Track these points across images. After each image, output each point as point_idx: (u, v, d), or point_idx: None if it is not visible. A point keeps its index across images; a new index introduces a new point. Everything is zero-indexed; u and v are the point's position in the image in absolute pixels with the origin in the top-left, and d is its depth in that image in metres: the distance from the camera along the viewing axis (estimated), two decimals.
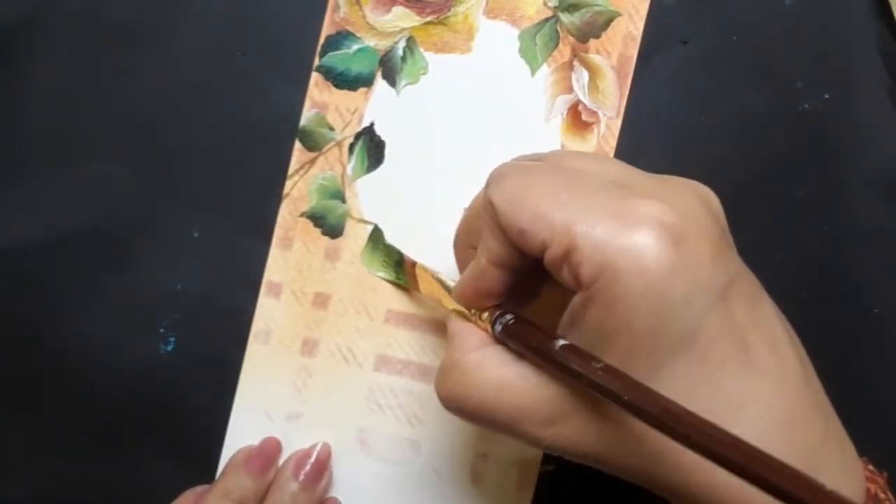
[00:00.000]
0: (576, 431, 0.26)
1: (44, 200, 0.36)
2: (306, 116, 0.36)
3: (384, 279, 0.36)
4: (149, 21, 0.36)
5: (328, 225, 0.36)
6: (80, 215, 0.36)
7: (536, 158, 0.30)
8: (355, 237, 0.36)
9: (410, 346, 0.36)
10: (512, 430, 0.27)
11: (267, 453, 0.35)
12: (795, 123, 0.36)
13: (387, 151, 0.36)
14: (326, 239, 0.36)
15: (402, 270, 0.36)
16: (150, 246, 0.36)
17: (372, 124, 0.36)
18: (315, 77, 0.36)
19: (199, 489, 0.35)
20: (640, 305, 0.24)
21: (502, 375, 0.27)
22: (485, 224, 0.28)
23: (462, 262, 0.31)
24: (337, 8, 0.36)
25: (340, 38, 0.36)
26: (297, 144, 0.36)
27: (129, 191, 0.36)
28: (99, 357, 0.36)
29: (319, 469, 0.35)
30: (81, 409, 0.36)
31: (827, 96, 0.36)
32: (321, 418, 0.36)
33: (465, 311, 0.30)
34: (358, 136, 0.36)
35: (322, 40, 0.36)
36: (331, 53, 0.36)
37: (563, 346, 0.25)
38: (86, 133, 0.36)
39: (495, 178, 0.28)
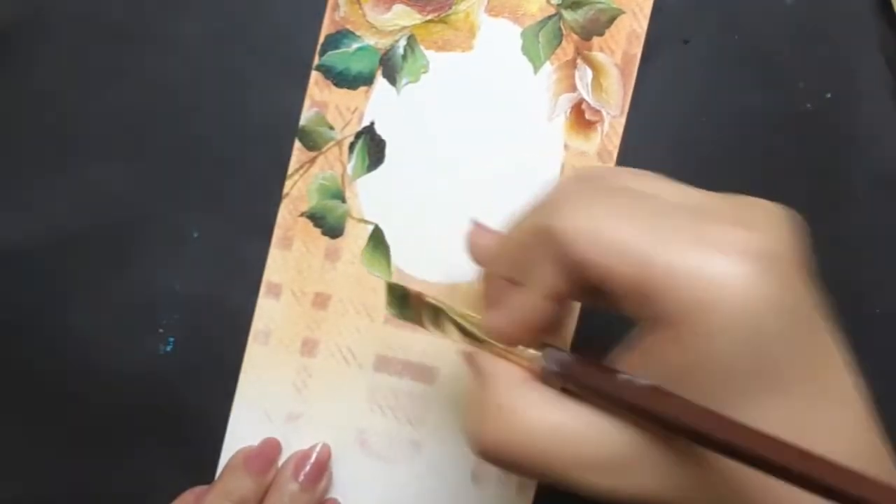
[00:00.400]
0: (645, 479, 0.24)
1: (44, 200, 0.36)
2: (306, 116, 0.36)
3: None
4: (149, 21, 0.36)
5: (328, 225, 0.36)
6: (80, 215, 0.36)
7: (588, 178, 0.27)
8: (355, 237, 0.36)
9: (411, 347, 0.36)
10: (566, 479, 0.24)
11: (266, 454, 0.35)
12: (798, 123, 0.36)
13: (387, 151, 0.36)
14: (326, 239, 0.36)
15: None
16: (150, 246, 0.36)
17: (372, 123, 0.36)
18: (315, 76, 0.36)
19: (199, 489, 0.35)
20: (733, 340, 0.22)
21: (558, 419, 0.24)
22: (543, 256, 0.25)
23: (493, 295, 0.28)
24: (336, 7, 0.36)
25: (340, 37, 0.36)
26: (297, 144, 0.36)
27: (129, 191, 0.36)
28: (99, 357, 0.36)
29: (319, 470, 0.35)
30: (81, 408, 0.36)
31: (829, 96, 0.36)
32: (321, 419, 0.36)
33: (499, 347, 0.27)
34: (358, 136, 0.36)
35: (322, 39, 0.36)
36: (330, 52, 0.36)
37: (645, 386, 0.23)
38: (86, 133, 0.36)
39: (554, 205, 0.25)
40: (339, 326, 0.36)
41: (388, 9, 0.36)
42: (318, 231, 0.36)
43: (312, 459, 0.35)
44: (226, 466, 0.35)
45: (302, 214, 0.36)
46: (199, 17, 0.36)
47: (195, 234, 0.36)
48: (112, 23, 0.36)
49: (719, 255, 0.22)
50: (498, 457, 0.25)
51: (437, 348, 0.36)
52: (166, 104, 0.36)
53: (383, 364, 0.36)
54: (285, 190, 0.36)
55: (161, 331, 0.36)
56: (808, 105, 0.36)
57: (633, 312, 0.24)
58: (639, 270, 0.23)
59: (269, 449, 0.36)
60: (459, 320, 0.29)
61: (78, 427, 0.36)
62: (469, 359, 0.28)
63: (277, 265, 0.36)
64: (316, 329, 0.36)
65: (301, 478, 0.35)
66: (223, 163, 0.36)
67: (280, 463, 0.36)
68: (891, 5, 0.35)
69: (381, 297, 0.36)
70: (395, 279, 0.36)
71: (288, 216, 0.36)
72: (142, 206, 0.36)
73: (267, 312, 0.36)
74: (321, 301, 0.36)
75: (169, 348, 0.36)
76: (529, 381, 0.26)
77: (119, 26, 0.36)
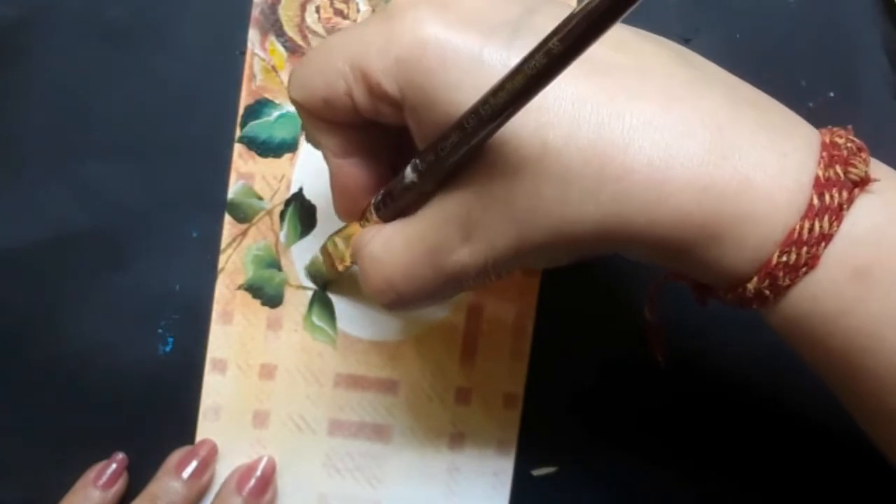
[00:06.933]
0: (492, 223, 0.24)
1: (43, 200, 0.36)
2: (233, 189, 0.36)
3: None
4: (148, 21, 0.36)
5: (267, 295, 0.36)
6: (80, 215, 0.36)
7: None
8: (296, 304, 0.36)
9: (363, 407, 0.36)
10: (440, 276, 0.26)
11: (200, 456, 0.35)
12: None
13: (318, 215, 0.36)
14: (266, 309, 0.36)
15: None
16: (149, 246, 0.36)
17: (301, 189, 0.36)
18: (238, 148, 0.36)
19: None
20: (446, 81, 0.23)
21: (405, 233, 0.26)
22: (305, 126, 0.28)
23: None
24: (253, 77, 0.36)
25: (260, 107, 0.36)
26: (227, 217, 0.36)
27: (129, 191, 0.36)
28: (97, 357, 0.36)
29: (264, 483, 0.35)
30: (79, 409, 0.36)
31: (831, 95, 0.36)
32: (281, 488, 0.36)
33: (359, 226, 0.29)
34: (288, 203, 0.36)
35: (241, 111, 0.36)
36: (252, 123, 0.36)
37: (420, 153, 0.25)
38: (85, 133, 0.36)
39: (289, 81, 0.27)
40: (288, 395, 0.36)
41: None
42: (257, 302, 0.36)
43: (258, 473, 0.35)
44: (160, 469, 0.35)
45: (239, 287, 0.36)
46: (199, 17, 0.35)
47: (195, 234, 0.36)
48: (112, 23, 0.35)
49: (399, 22, 0.24)
50: (388, 300, 0.27)
51: (389, 406, 0.36)
52: (166, 104, 0.36)
53: (337, 427, 0.36)
54: (220, 265, 0.36)
55: (161, 331, 0.36)
56: (810, 104, 0.36)
57: (387, 118, 0.25)
58: (349, 79, 0.25)
59: (203, 451, 0.35)
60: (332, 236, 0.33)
61: (78, 427, 0.36)
62: (354, 248, 0.29)
63: (220, 341, 0.36)
64: (265, 400, 0.36)
65: (245, 492, 0.35)
66: (223, 163, 0.36)
67: (216, 467, 0.36)
68: (893, 4, 0.35)
69: (328, 362, 0.36)
70: (339, 342, 0.36)
71: (226, 290, 0.36)
72: (142, 206, 0.36)
73: (214, 389, 0.36)
74: (268, 372, 0.36)
75: (169, 348, 0.36)
76: (383, 227, 0.27)
77: (119, 26, 0.35)
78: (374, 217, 0.28)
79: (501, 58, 0.23)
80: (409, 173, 0.25)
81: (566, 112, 0.23)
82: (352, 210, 0.29)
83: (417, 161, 0.25)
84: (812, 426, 0.35)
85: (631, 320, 0.35)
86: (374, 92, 0.25)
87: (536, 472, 0.36)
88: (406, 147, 0.28)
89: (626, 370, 0.36)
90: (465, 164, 0.24)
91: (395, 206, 0.27)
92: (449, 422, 0.36)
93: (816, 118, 0.35)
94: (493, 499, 0.36)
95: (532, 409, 0.36)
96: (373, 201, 0.28)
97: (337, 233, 0.33)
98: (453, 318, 0.36)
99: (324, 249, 0.34)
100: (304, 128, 0.35)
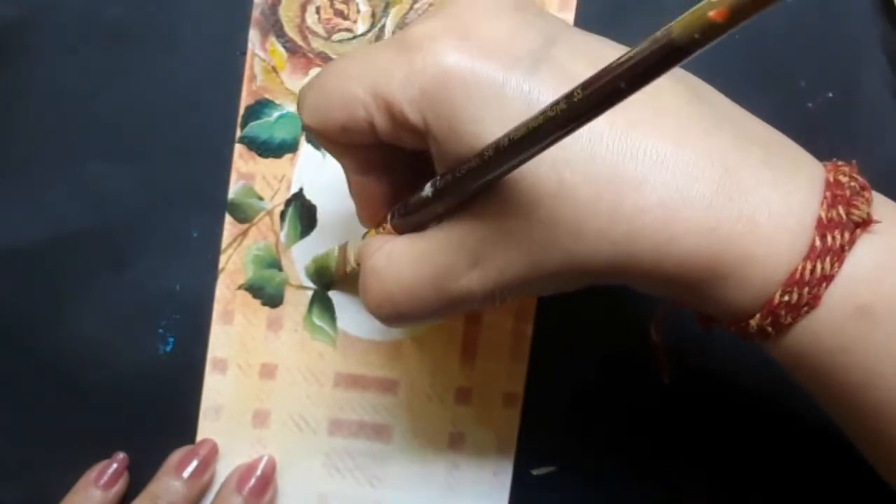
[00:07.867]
0: (503, 253, 0.24)
1: (44, 200, 0.36)
2: (234, 189, 0.36)
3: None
4: (148, 21, 0.36)
5: (267, 295, 0.36)
6: (80, 215, 0.36)
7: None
8: (296, 304, 0.36)
9: (363, 406, 0.36)
10: (443, 299, 0.26)
11: (200, 456, 0.35)
12: (799, 122, 0.35)
13: (318, 215, 0.36)
14: (267, 309, 0.36)
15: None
16: (150, 246, 0.36)
17: (301, 189, 0.36)
18: (238, 148, 0.36)
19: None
20: (470, 114, 0.23)
21: (412, 251, 0.26)
22: (323, 147, 0.29)
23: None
24: (253, 77, 0.36)
25: (260, 107, 0.36)
26: (228, 217, 0.36)
27: (129, 191, 0.36)
28: (98, 357, 0.36)
29: (264, 483, 0.35)
30: (80, 409, 0.36)
31: (830, 95, 0.36)
32: (281, 488, 0.36)
33: (377, 230, 0.29)
34: (288, 203, 0.36)
35: (242, 111, 0.36)
36: (252, 123, 0.36)
37: (442, 175, 0.25)
38: (85, 133, 0.36)
39: (298, 105, 0.27)
40: (288, 395, 0.36)
41: (306, 74, 0.36)
42: (257, 302, 0.36)
43: (258, 472, 0.35)
44: (160, 468, 0.35)
45: (240, 287, 0.36)
46: (199, 17, 0.35)
47: (195, 234, 0.36)
48: (112, 23, 0.35)
49: (417, 51, 0.24)
50: (385, 314, 0.27)
51: (389, 406, 0.36)
52: (166, 104, 0.36)
53: (337, 427, 0.36)
54: (220, 265, 0.36)
55: (161, 331, 0.36)
56: (810, 104, 0.36)
57: (408, 143, 0.26)
58: (369, 109, 0.25)
59: (203, 451, 0.35)
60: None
61: (76, 427, 0.36)
62: (360, 255, 0.29)
63: (220, 341, 0.36)
64: (266, 400, 0.36)
65: (245, 491, 0.35)
66: (223, 162, 0.36)
67: (216, 467, 0.36)
68: (892, 4, 0.35)
69: (328, 361, 0.36)
70: (339, 342, 0.36)
71: (226, 290, 0.36)
72: (142, 206, 0.36)
73: (214, 388, 0.36)
74: (268, 371, 0.36)
75: (169, 348, 0.36)
76: (391, 239, 0.27)
77: (119, 26, 0.35)
78: (388, 226, 0.28)
79: (523, 90, 0.23)
80: (427, 188, 0.25)
81: (582, 149, 0.23)
82: (375, 218, 0.29)
83: (437, 179, 0.25)
84: (812, 427, 0.36)
85: (631, 320, 0.35)
86: (397, 121, 0.25)
87: (536, 472, 0.36)
88: (425, 159, 0.28)
89: (626, 370, 0.36)
90: (481, 193, 0.24)
91: (409, 218, 0.27)
92: (449, 421, 0.36)
93: (816, 118, 0.35)
94: (493, 498, 0.36)
95: (532, 408, 0.36)
96: (393, 210, 0.28)
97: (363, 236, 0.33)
98: (453, 319, 0.36)
99: (342, 249, 0.34)
100: (304, 128, 0.35)
